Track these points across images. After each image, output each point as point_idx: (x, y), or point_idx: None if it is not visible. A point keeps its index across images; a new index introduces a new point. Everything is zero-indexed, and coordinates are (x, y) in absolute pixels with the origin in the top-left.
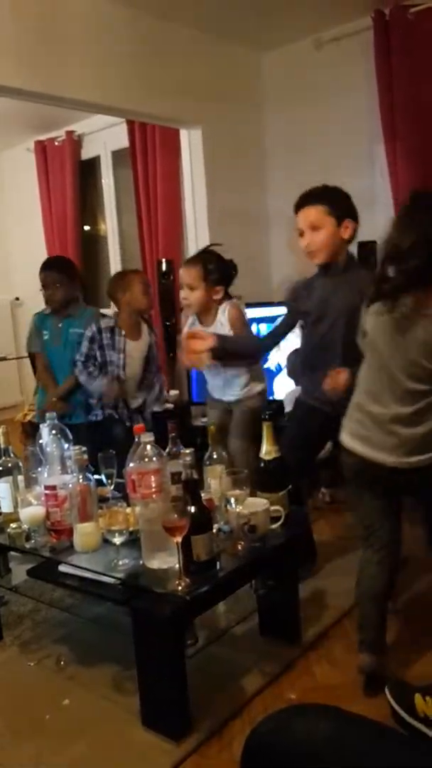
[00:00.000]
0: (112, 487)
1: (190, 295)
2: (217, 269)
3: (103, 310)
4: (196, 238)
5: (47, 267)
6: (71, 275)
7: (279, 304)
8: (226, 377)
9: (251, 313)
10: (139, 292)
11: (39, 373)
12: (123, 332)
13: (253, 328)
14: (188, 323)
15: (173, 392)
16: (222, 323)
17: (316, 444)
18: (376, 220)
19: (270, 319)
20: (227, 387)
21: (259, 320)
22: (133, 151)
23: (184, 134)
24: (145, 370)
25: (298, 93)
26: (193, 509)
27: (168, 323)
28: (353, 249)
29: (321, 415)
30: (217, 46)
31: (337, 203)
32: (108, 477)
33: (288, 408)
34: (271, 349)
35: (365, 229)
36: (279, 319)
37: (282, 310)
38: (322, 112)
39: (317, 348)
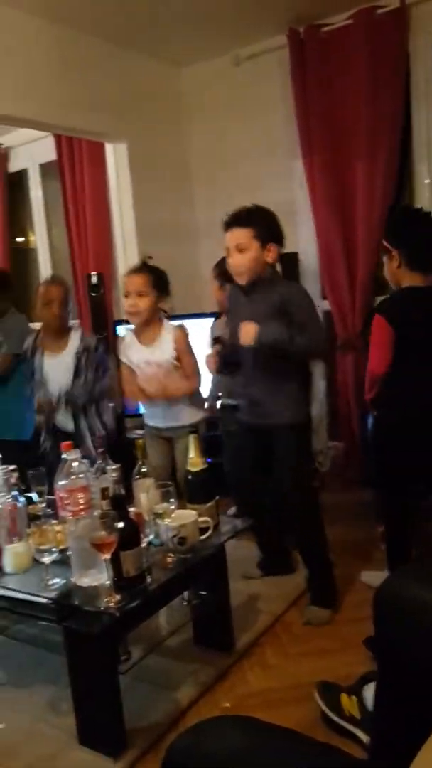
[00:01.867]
0: (44, 504)
1: (139, 302)
2: (162, 279)
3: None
4: (125, 251)
5: None
6: (3, 287)
7: (208, 315)
8: (164, 405)
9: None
10: (39, 306)
11: None
12: (40, 350)
13: None
14: (124, 343)
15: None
16: (167, 342)
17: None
18: (298, 232)
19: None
20: (167, 414)
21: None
22: (60, 164)
23: (109, 148)
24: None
25: (219, 108)
26: (121, 525)
27: (100, 336)
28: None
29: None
30: (139, 61)
31: (263, 227)
32: (39, 494)
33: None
34: None
35: (287, 241)
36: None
37: (209, 322)
38: (242, 127)
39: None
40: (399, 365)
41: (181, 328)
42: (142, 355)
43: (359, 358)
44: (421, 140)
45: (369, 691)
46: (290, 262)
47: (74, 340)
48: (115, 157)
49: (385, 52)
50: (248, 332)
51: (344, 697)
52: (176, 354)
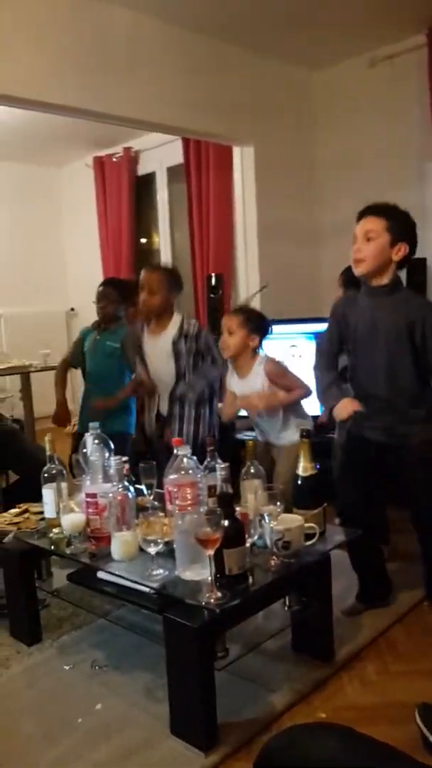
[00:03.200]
0: (152, 497)
1: (228, 340)
2: (255, 320)
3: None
4: (246, 253)
5: (105, 283)
6: (124, 295)
7: (325, 319)
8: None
9: (300, 328)
10: (140, 293)
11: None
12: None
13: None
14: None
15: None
16: (258, 374)
17: (375, 479)
18: (426, 237)
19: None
20: (270, 430)
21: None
22: (187, 168)
23: (236, 152)
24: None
25: (350, 110)
26: (226, 523)
27: (216, 336)
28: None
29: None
30: (270, 65)
31: (399, 224)
32: (148, 487)
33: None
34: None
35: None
36: (324, 341)
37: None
38: (374, 129)
39: (364, 372)
40: None
41: (270, 360)
42: (236, 387)
43: None
44: None
45: None
46: (418, 268)
47: (173, 326)
48: (242, 160)
49: None
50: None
51: None
52: (271, 385)
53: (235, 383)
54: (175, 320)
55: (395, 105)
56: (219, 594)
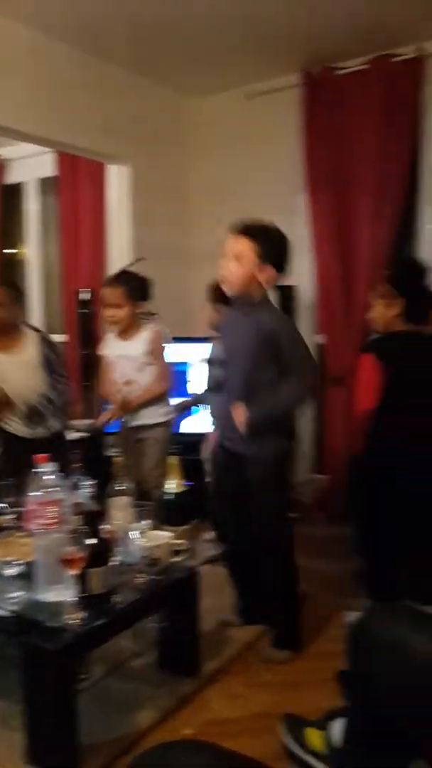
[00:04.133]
0: (11, 516)
1: (117, 312)
2: (138, 288)
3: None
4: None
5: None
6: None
7: (200, 339)
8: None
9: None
10: None
11: None
12: None
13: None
14: (106, 338)
15: (85, 421)
16: (142, 339)
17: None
18: (297, 266)
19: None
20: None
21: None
22: (60, 181)
23: (112, 169)
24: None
25: (227, 140)
26: (91, 541)
27: (85, 352)
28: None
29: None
30: (149, 87)
31: (268, 247)
32: (7, 506)
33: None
34: None
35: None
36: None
37: (202, 346)
38: (248, 159)
39: (228, 385)
40: (390, 406)
41: (157, 331)
42: (118, 349)
43: (350, 393)
44: (427, 186)
45: (335, 727)
46: (288, 294)
47: (29, 342)
48: (118, 179)
49: (398, 99)
50: (239, 417)
51: (309, 731)
52: (150, 352)
53: (113, 346)
54: (30, 336)
55: (269, 139)
56: (82, 614)
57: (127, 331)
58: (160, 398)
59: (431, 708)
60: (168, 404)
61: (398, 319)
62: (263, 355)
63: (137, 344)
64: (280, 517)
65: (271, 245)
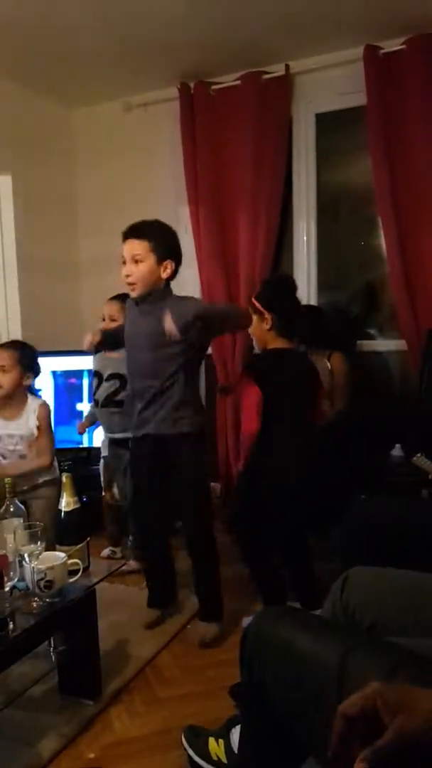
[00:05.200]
0: None
1: (2, 377)
2: (29, 356)
3: None
4: (5, 285)
5: None
6: None
7: (87, 353)
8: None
9: (58, 362)
10: None
11: None
12: None
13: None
14: None
15: None
16: (31, 415)
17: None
18: (182, 278)
19: (75, 371)
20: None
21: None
22: None
23: None
24: None
25: (109, 151)
26: None
27: None
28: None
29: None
30: (30, 97)
31: (162, 241)
32: None
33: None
34: None
35: (171, 285)
36: None
37: (88, 360)
38: (131, 170)
39: (134, 375)
40: (269, 421)
41: (45, 405)
42: (4, 429)
43: (238, 400)
44: (300, 199)
45: (236, 734)
46: None
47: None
48: None
49: (270, 114)
50: (170, 326)
51: (212, 741)
52: (39, 429)
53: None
54: None
55: (151, 150)
56: None
57: (10, 404)
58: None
59: (318, 708)
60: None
61: (271, 335)
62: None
63: (27, 421)
64: (203, 489)
65: (165, 239)
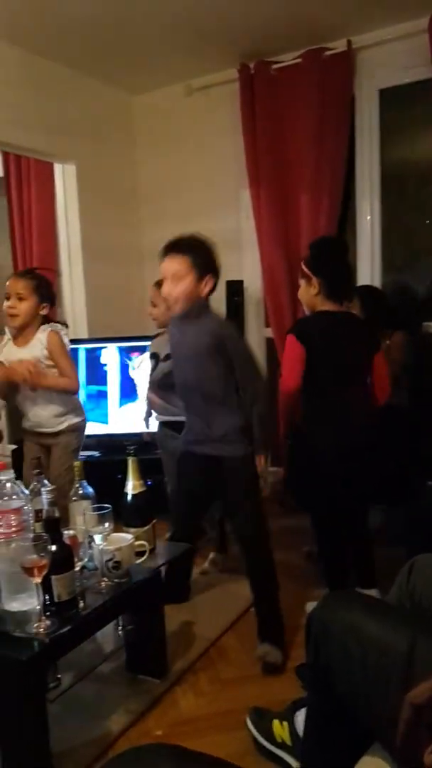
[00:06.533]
0: None
1: (19, 305)
2: (45, 286)
3: None
4: (70, 270)
5: None
6: None
7: (152, 337)
8: (40, 406)
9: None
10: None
11: None
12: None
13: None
14: (2, 343)
15: None
16: (41, 342)
17: (202, 495)
18: (243, 260)
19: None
20: (42, 414)
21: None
22: (7, 181)
23: (58, 168)
24: None
25: (169, 136)
26: (53, 548)
27: None
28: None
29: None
30: (92, 86)
31: (201, 257)
32: None
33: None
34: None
35: (232, 269)
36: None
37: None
38: (191, 155)
39: (181, 391)
40: (316, 388)
41: (55, 331)
42: (14, 355)
43: None
44: (363, 178)
45: (300, 717)
46: (235, 289)
47: (38, 337)
48: (64, 178)
49: (332, 92)
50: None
51: (276, 723)
52: (48, 355)
53: (8, 352)
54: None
55: (212, 133)
56: (48, 623)
57: (23, 333)
58: (66, 394)
59: (384, 694)
60: (77, 409)
61: (319, 299)
62: (212, 357)
63: (34, 348)
64: (259, 512)
65: (203, 255)
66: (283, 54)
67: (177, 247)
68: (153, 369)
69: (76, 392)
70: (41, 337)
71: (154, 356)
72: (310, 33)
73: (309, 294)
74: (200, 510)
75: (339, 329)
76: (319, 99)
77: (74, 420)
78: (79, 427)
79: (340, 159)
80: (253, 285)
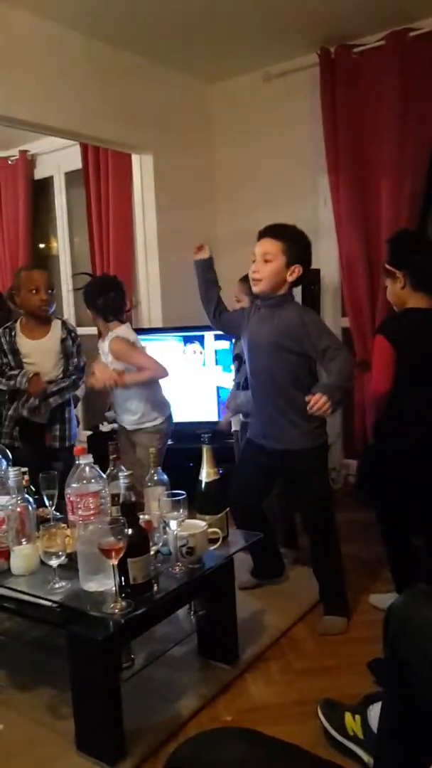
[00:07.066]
0: (53, 508)
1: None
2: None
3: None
4: (146, 260)
5: None
6: None
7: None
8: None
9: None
10: (26, 292)
11: None
12: (14, 333)
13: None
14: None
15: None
16: (105, 352)
17: (262, 483)
18: (320, 249)
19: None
20: (122, 409)
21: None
22: (86, 173)
23: (135, 159)
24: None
25: (247, 123)
26: (130, 531)
27: None
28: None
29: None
30: (169, 76)
31: (295, 246)
32: (50, 498)
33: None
34: None
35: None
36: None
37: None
38: (269, 142)
39: (252, 381)
40: (404, 386)
41: (118, 339)
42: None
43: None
44: None
45: (373, 711)
46: (313, 278)
47: (56, 328)
48: (141, 168)
49: (416, 74)
50: (322, 406)
51: (348, 716)
52: (114, 362)
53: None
54: (56, 323)
55: (289, 120)
56: (123, 604)
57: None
58: (150, 397)
59: None
60: (161, 405)
61: (406, 293)
62: (287, 349)
63: (102, 353)
64: (327, 501)
65: (298, 244)
66: (366, 36)
67: (273, 231)
68: (237, 370)
69: (164, 377)
70: (105, 345)
71: (238, 358)
72: (394, 13)
73: (396, 290)
74: (259, 496)
75: (429, 327)
76: (403, 81)
77: (152, 422)
78: (159, 429)
79: (425, 144)
80: (330, 274)
